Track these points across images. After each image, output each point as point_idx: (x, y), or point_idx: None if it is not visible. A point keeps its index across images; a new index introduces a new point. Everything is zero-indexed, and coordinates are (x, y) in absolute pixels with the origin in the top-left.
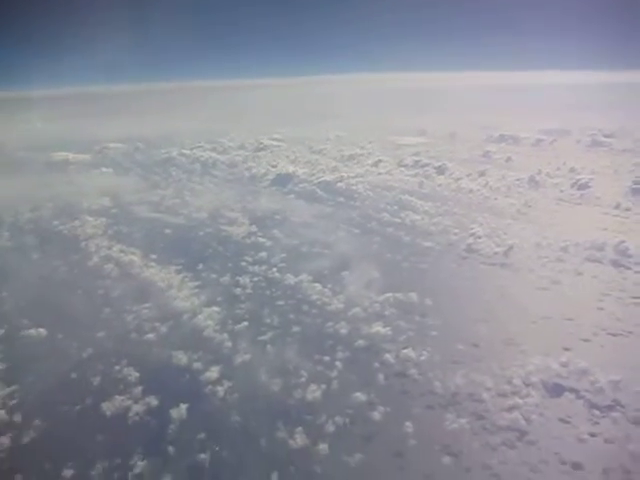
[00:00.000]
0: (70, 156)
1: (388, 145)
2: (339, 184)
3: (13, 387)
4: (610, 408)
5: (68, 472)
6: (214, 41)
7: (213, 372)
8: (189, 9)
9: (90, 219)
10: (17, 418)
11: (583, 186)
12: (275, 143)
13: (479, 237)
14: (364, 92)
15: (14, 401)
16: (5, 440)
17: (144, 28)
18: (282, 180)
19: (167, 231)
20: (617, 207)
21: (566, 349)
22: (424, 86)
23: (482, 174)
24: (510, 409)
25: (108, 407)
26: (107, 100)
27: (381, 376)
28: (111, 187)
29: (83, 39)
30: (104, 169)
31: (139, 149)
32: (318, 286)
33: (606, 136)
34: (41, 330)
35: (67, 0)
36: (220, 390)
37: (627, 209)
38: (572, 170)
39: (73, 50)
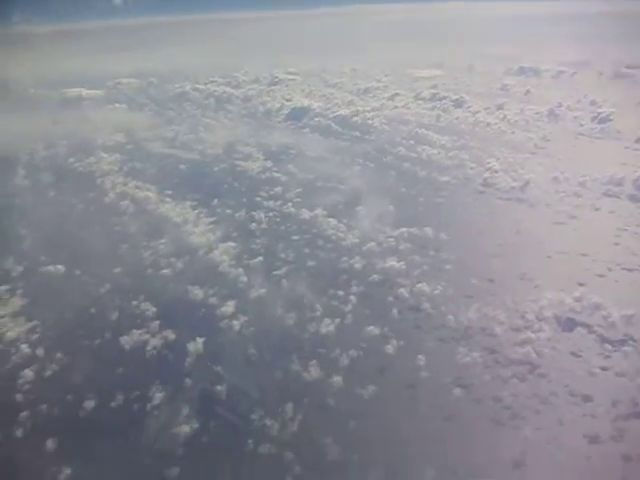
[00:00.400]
0: (83, 92)
1: (405, 78)
2: (355, 118)
3: (34, 322)
4: (622, 342)
5: (89, 403)
6: None
7: (229, 306)
8: None
9: (105, 156)
10: (39, 352)
11: (604, 119)
12: (290, 77)
13: (496, 171)
14: (380, 24)
15: (36, 335)
16: (29, 373)
17: None
18: (297, 114)
19: (182, 167)
20: (638, 141)
21: (580, 284)
22: (441, 17)
23: (500, 107)
24: (522, 343)
25: (126, 341)
26: (119, 35)
27: (395, 310)
28: (125, 123)
29: None
30: (117, 105)
31: (152, 84)
32: (333, 221)
33: (629, 67)
34: (59, 267)
35: None
36: (236, 324)
37: None
38: (593, 103)
39: None
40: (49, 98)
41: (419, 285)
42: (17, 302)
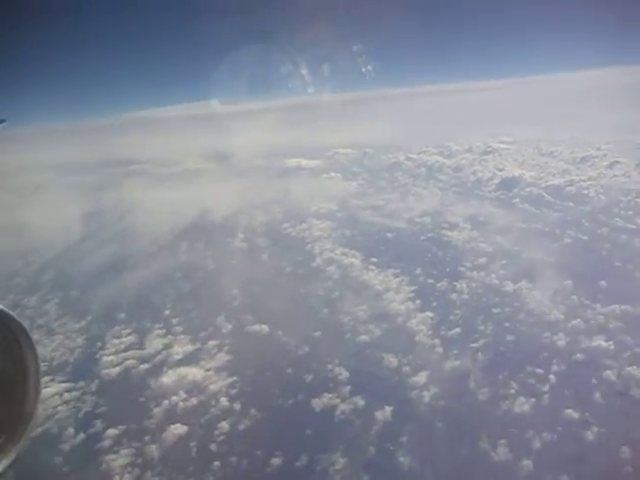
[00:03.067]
0: (302, 162)
1: (627, 145)
2: (569, 188)
3: (235, 377)
4: None
5: (276, 460)
6: (434, 43)
7: (421, 377)
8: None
9: (317, 222)
10: (236, 406)
11: None
12: (504, 146)
13: None
14: (594, 89)
15: (235, 390)
16: (225, 425)
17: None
18: (508, 184)
19: (389, 235)
20: None
21: None
22: None
23: None
24: None
25: (317, 404)
26: (339, 107)
27: (598, 394)
28: (338, 191)
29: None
30: (333, 174)
31: (367, 154)
32: (538, 294)
33: None
34: (264, 326)
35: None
36: (426, 395)
37: None
38: None
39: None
40: (271, 167)
41: (629, 368)
42: (223, 357)
